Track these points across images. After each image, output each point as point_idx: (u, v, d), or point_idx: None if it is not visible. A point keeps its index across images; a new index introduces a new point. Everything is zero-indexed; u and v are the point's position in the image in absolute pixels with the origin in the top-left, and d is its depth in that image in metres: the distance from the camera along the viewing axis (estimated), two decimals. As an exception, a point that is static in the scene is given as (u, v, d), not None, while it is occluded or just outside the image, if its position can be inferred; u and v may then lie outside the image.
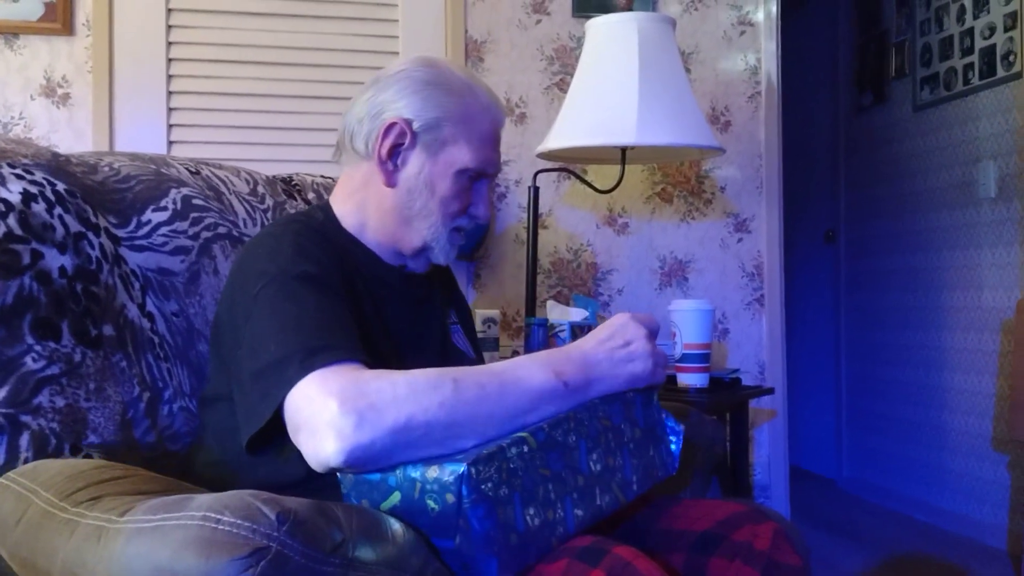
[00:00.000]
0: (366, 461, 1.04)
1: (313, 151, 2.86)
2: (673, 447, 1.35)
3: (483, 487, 1.02)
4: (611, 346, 1.24)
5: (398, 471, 1.05)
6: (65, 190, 1.41)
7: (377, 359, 1.16)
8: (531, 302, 2.66)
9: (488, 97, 1.41)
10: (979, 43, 3.58)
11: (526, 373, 1.15)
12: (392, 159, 1.36)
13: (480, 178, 1.40)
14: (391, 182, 1.37)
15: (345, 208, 1.42)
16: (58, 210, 1.38)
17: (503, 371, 1.15)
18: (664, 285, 3.20)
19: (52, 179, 1.40)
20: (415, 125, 1.35)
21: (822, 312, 4.78)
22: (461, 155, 1.36)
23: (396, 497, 1.05)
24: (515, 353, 2.62)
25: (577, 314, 2.57)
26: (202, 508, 0.90)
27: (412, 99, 1.35)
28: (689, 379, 2.39)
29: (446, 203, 1.37)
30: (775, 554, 1.22)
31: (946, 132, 3.82)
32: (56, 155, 1.48)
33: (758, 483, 3.27)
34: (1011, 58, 3.40)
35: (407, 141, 1.35)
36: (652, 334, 1.27)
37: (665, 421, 1.35)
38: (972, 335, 3.66)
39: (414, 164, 1.36)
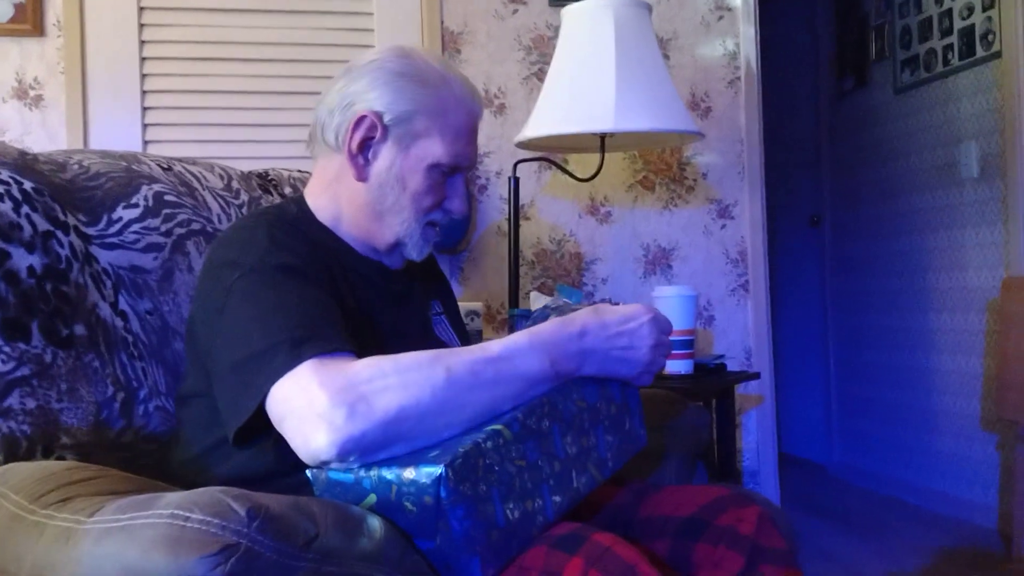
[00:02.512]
0: (358, 453, 1.03)
1: (291, 147, 2.83)
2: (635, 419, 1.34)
3: (462, 487, 0.99)
4: (613, 344, 1.22)
5: (372, 472, 1.03)
6: (32, 188, 1.39)
7: (362, 352, 1.14)
8: (514, 294, 2.64)
9: (463, 88, 1.37)
10: (958, 23, 3.58)
11: (524, 362, 1.13)
12: (363, 153, 1.33)
13: (455, 172, 1.37)
14: (362, 176, 1.34)
15: (319, 201, 1.39)
16: (25, 209, 1.36)
17: (499, 357, 1.12)
18: (648, 273, 3.18)
19: (19, 178, 1.38)
20: (386, 118, 1.31)
21: (809, 297, 4.77)
22: (434, 149, 1.33)
23: (372, 499, 1.03)
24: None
25: (561, 304, 2.55)
26: (170, 506, 0.88)
27: (383, 91, 1.32)
28: (673, 366, 2.38)
29: (418, 198, 1.34)
30: (760, 538, 1.21)
31: (927, 114, 3.82)
32: (24, 153, 1.46)
33: (747, 469, 3.26)
34: (990, 37, 3.39)
35: (378, 135, 1.32)
36: (661, 342, 1.26)
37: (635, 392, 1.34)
38: (958, 316, 3.66)
39: (385, 158, 1.33)
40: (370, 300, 1.36)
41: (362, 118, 1.31)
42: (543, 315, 1.32)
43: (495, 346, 1.14)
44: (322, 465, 1.05)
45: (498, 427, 1.07)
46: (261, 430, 1.11)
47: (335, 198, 1.37)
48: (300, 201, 1.41)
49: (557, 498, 1.13)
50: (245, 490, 0.92)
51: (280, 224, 1.29)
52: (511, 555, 1.05)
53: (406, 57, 1.35)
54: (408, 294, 1.46)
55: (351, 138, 1.32)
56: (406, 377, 1.06)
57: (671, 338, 2.33)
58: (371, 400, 1.03)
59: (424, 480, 0.99)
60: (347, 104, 1.33)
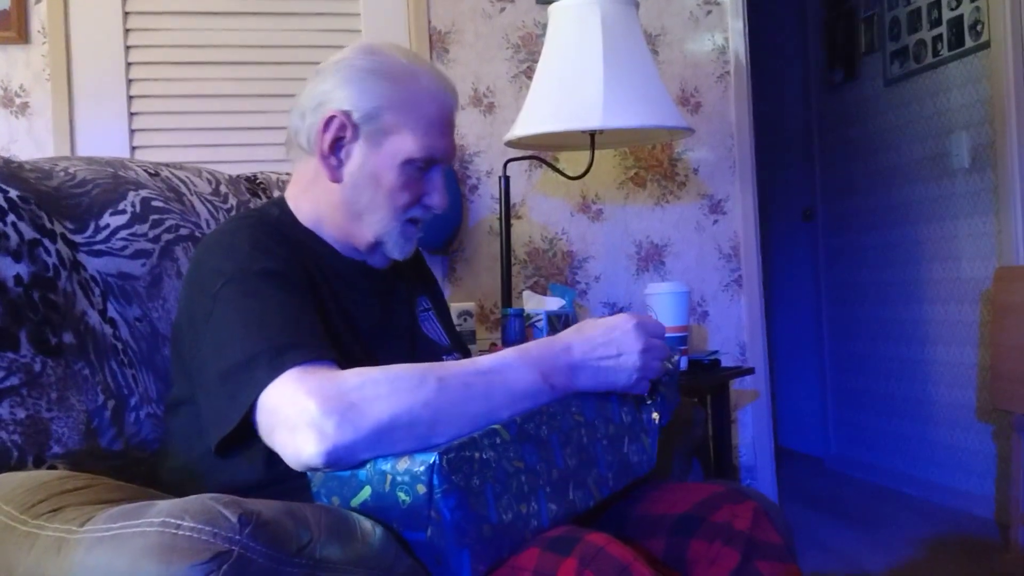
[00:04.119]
0: (348, 460, 1.03)
1: (280, 150, 2.76)
2: (649, 440, 1.33)
3: (454, 477, 1.00)
4: (601, 354, 1.20)
5: (368, 465, 1.04)
6: (18, 196, 1.38)
7: (344, 355, 1.13)
8: (507, 293, 2.63)
9: (434, 81, 1.34)
10: (946, 14, 3.57)
11: (515, 376, 1.13)
12: (335, 154, 1.32)
13: (431, 166, 1.35)
14: (335, 178, 1.33)
15: (300, 204, 1.38)
16: (11, 217, 1.35)
17: (490, 370, 1.12)
18: (641, 270, 3.18)
19: (4, 186, 1.37)
20: (355, 116, 1.30)
21: (803, 290, 4.77)
22: (405, 144, 1.31)
23: (367, 492, 1.03)
24: (492, 346, 2.60)
25: (554, 303, 2.55)
26: (161, 514, 0.87)
27: (350, 89, 1.30)
28: (668, 363, 2.38)
29: (394, 196, 1.32)
30: (755, 533, 1.20)
31: (918, 105, 3.82)
32: (8, 161, 1.45)
33: (744, 464, 3.26)
34: (979, 28, 3.39)
35: (348, 134, 1.31)
36: (650, 345, 1.23)
37: (643, 416, 1.33)
38: (952, 307, 3.66)
39: (357, 157, 1.32)
40: (353, 301, 1.35)
41: (331, 118, 1.30)
42: None
43: (485, 361, 1.14)
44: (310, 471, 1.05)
45: (495, 427, 1.08)
46: (244, 440, 1.11)
47: (314, 200, 1.37)
48: (281, 203, 1.40)
49: (553, 506, 1.13)
50: (237, 497, 0.92)
51: (262, 227, 1.28)
52: (502, 555, 1.05)
53: (372, 54, 1.34)
54: (393, 292, 1.45)
55: (322, 139, 1.31)
56: (397, 386, 1.05)
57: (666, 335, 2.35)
58: (362, 408, 1.02)
59: (418, 468, 1.00)
60: (316, 105, 1.32)
